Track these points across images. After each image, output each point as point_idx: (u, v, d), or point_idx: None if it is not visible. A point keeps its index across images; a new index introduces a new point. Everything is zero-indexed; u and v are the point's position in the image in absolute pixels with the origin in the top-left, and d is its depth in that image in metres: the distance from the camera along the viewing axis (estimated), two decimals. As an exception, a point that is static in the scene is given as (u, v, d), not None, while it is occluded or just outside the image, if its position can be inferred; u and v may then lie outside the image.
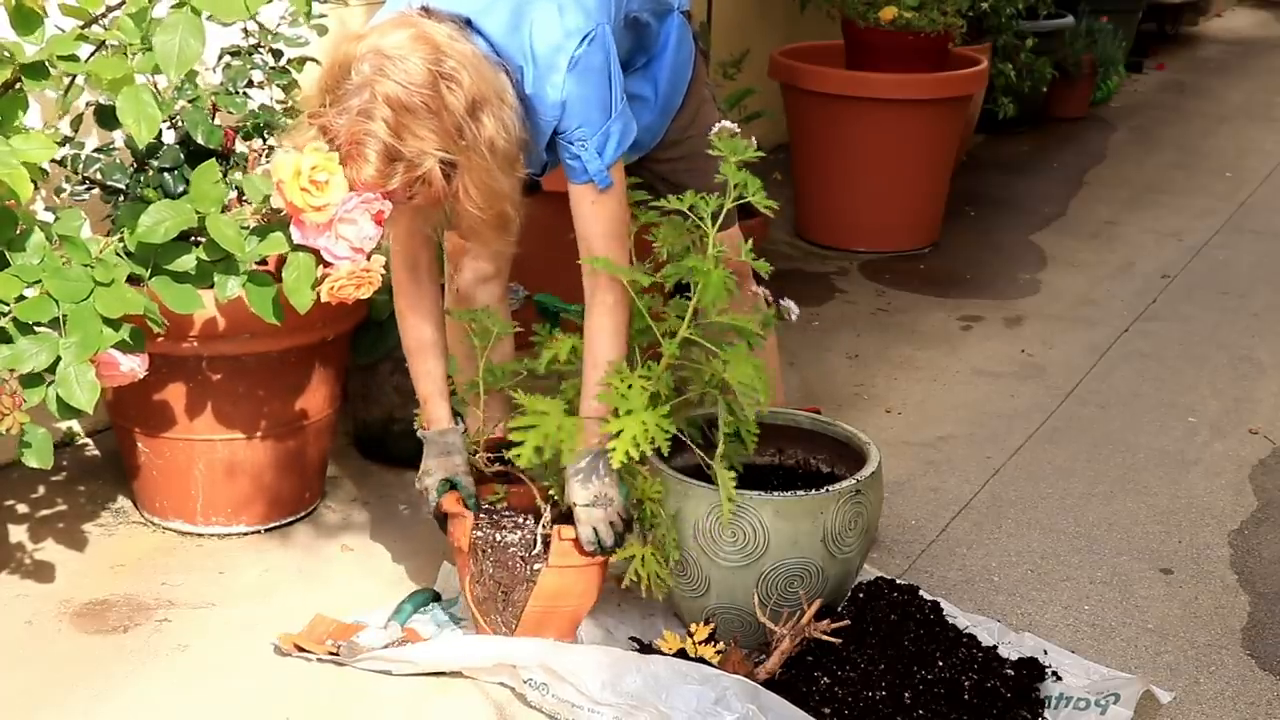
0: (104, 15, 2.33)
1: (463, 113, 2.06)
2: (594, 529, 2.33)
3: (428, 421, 2.48)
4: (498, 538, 2.38)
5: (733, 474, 2.34)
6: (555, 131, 2.23)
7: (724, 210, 2.33)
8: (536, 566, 2.36)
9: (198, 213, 2.35)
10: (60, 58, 2.21)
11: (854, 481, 2.39)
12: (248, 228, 2.41)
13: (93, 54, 2.34)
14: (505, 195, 2.17)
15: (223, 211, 2.40)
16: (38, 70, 2.22)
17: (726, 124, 2.37)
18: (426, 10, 2.15)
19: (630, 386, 2.29)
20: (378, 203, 2.36)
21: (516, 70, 2.18)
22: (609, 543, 2.34)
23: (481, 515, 2.40)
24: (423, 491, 2.48)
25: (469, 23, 2.16)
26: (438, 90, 2.04)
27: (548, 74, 2.18)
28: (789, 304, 2.64)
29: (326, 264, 2.39)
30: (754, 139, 2.33)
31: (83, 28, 2.32)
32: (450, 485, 2.44)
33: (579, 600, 2.43)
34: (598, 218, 2.27)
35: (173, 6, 2.22)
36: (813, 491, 2.37)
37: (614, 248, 2.29)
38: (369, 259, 2.40)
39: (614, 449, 2.24)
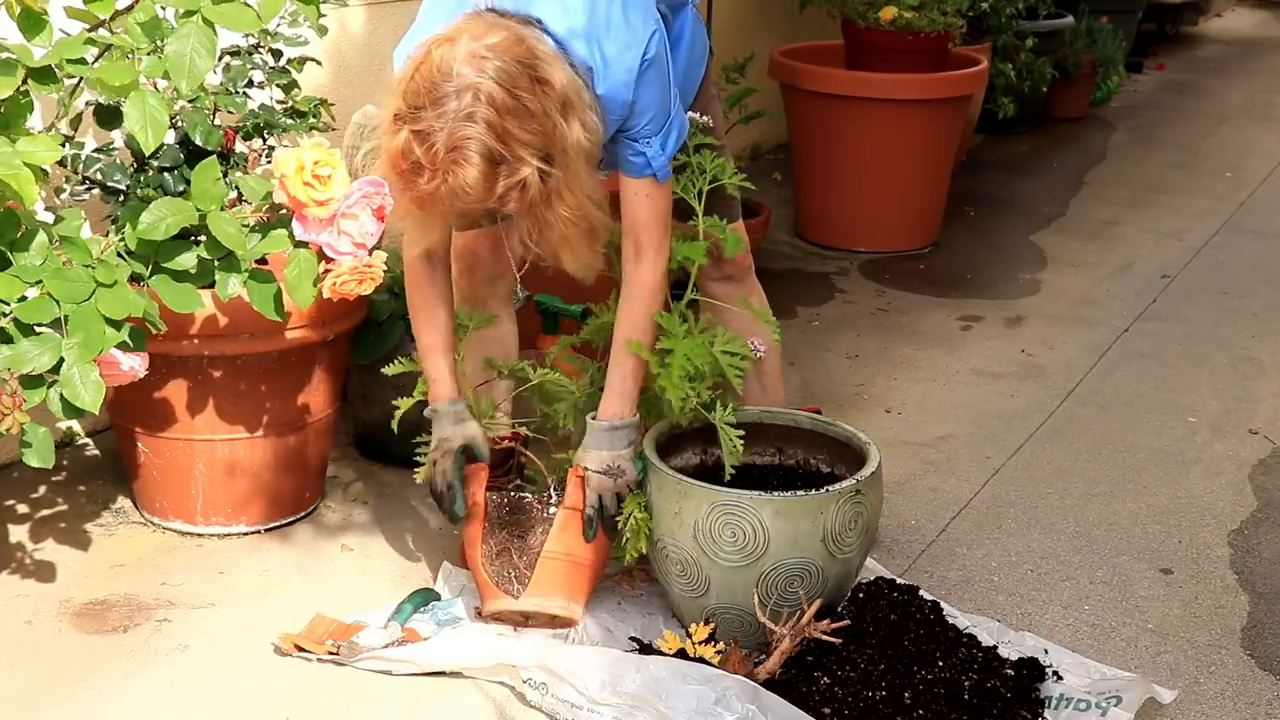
0: (111, 19, 2.33)
1: (557, 115, 2.04)
2: (599, 496, 2.39)
3: (437, 396, 2.46)
4: (513, 494, 2.45)
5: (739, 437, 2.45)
6: (618, 130, 2.25)
7: (702, 192, 2.46)
8: (553, 509, 2.41)
9: (198, 210, 2.34)
10: (68, 61, 2.21)
11: (854, 481, 2.39)
12: (248, 225, 2.40)
13: (98, 57, 2.34)
14: (595, 199, 2.15)
15: (222, 211, 2.40)
16: (45, 75, 2.21)
17: (694, 116, 2.45)
18: (496, 11, 2.13)
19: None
20: (379, 197, 2.36)
21: (586, 71, 2.17)
22: (611, 510, 2.39)
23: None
24: (435, 461, 2.44)
25: (539, 23, 2.15)
26: (535, 92, 2.02)
27: (620, 75, 2.18)
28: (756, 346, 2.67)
29: (328, 260, 2.39)
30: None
31: (89, 30, 2.32)
32: (467, 453, 2.45)
33: (591, 554, 2.44)
34: (651, 209, 2.33)
35: (181, 15, 2.22)
36: (813, 491, 2.37)
37: (663, 232, 2.36)
38: (370, 254, 2.39)
39: (663, 380, 2.39)
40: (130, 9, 2.29)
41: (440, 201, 2.07)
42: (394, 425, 2.53)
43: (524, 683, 2.31)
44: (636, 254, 2.37)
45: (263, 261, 2.46)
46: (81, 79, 2.36)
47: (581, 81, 2.14)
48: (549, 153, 2.04)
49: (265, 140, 2.79)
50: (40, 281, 2.23)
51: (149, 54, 2.23)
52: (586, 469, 2.41)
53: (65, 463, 3.09)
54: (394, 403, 2.54)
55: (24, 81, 2.21)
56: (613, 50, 2.18)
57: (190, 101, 2.74)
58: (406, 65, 2.08)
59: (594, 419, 2.42)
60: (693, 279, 2.56)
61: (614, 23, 2.18)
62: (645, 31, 2.20)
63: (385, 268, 2.44)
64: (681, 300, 2.56)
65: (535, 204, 2.07)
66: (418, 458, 2.56)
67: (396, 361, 2.58)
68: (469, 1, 2.18)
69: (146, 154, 2.29)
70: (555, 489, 2.45)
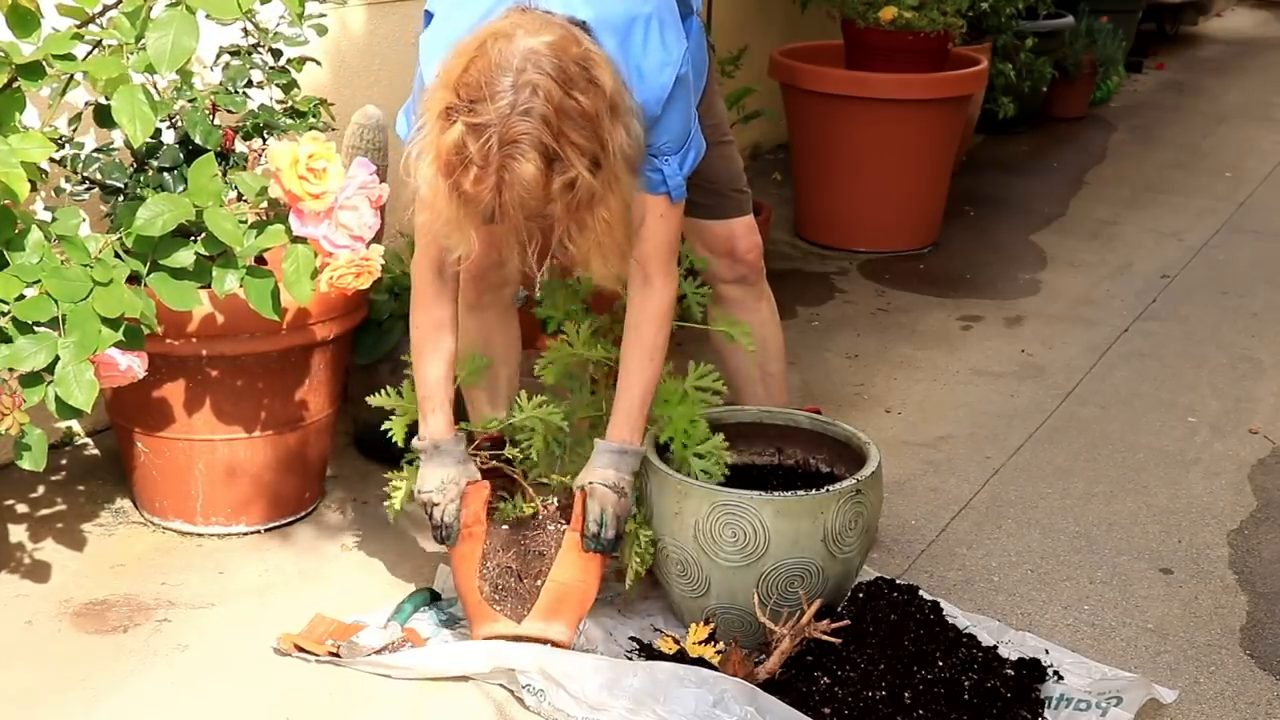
0: (101, 14, 2.33)
1: (607, 117, 2.02)
2: (602, 509, 2.36)
3: (435, 430, 2.42)
4: (512, 512, 2.42)
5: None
6: None
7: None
8: (551, 526, 2.40)
9: (195, 206, 2.34)
10: (56, 57, 2.20)
11: (854, 481, 2.39)
12: (245, 222, 2.40)
13: (89, 53, 2.34)
14: (632, 207, 2.11)
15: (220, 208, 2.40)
16: (34, 70, 2.21)
17: None
18: (550, 13, 2.10)
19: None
20: (377, 188, 2.35)
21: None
22: (609, 533, 2.36)
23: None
24: (436, 503, 2.40)
25: (584, 25, 2.12)
26: (588, 93, 2.00)
27: (653, 91, 2.17)
28: None
29: (325, 254, 2.39)
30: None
31: (79, 27, 2.32)
32: None
33: (588, 582, 2.41)
34: (661, 231, 2.31)
35: (168, 5, 2.22)
36: (813, 491, 2.37)
37: (671, 258, 2.35)
38: (368, 247, 2.39)
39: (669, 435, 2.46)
40: (119, 2, 2.29)
41: (489, 202, 2.00)
42: (421, 442, 2.45)
43: (522, 688, 2.31)
44: (645, 280, 2.34)
45: (261, 259, 2.46)
46: (72, 76, 2.35)
47: (624, 85, 2.10)
48: (599, 154, 2.01)
49: (265, 140, 2.79)
50: (39, 280, 2.23)
51: (137, 48, 2.23)
52: (591, 483, 2.38)
53: (65, 462, 3.09)
54: (388, 484, 2.51)
55: (13, 78, 2.21)
56: (649, 67, 2.17)
57: (189, 101, 2.74)
58: (455, 58, 2.03)
59: (601, 440, 2.41)
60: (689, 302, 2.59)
61: (651, 41, 2.17)
62: (679, 50, 2.20)
63: (383, 262, 2.43)
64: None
65: (580, 206, 2.02)
66: (392, 491, 2.53)
67: (382, 392, 2.55)
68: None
69: (135, 146, 2.28)
70: (559, 513, 2.44)
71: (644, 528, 2.44)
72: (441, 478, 2.41)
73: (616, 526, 2.38)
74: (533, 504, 2.47)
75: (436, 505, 2.40)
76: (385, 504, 2.55)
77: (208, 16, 2.30)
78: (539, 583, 2.38)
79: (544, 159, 1.97)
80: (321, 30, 2.92)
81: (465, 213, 2.04)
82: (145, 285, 2.37)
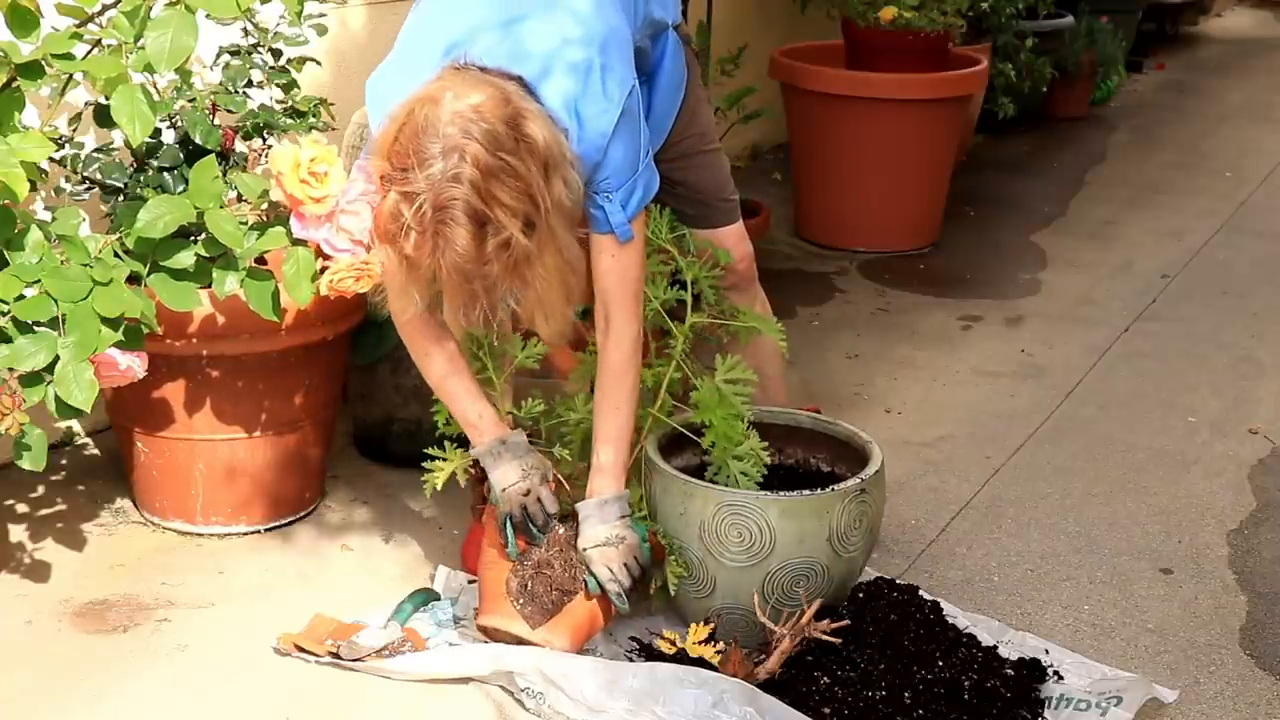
0: (100, 14, 2.33)
1: (540, 174, 2.04)
2: (608, 568, 2.35)
3: (491, 426, 2.41)
4: (566, 526, 2.41)
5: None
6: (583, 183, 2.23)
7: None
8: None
9: (196, 208, 2.34)
10: (55, 56, 2.20)
11: (859, 480, 2.39)
12: (246, 223, 2.40)
13: (89, 53, 2.34)
14: (574, 261, 2.13)
15: (220, 209, 2.40)
16: (33, 70, 2.21)
17: None
18: (479, 67, 2.11)
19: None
20: (379, 194, 2.35)
21: (562, 130, 2.14)
22: (626, 582, 2.35)
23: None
24: (525, 492, 2.39)
25: (520, 80, 2.13)
26: (518, 153, 2.02)
27: (594, 139, 2.17)
28: None
29: (326, 257, 2.39)
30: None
31: (78, 26, 2.32)
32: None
33: (613, 612, 2.42)
34: (615, 272, 2.30)
35: (167, 4, 2.22)
36: (819, 491, 2.37)
37: (628, 299, 2.32)
38: (369, 251, 2.39)
39: (711, 440, 2.45)
40: (118, 1, 2.29)
41: (427, 266, 2.04)
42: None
43: (521, 691, 2.30)
44: (606, 325, 2.33)
45: (261, 261, 2.46)
46: (72, 75, 2.35)
47: (564, 139, 2.12)
48: (531, 213, 2.03)
49: (265, 140, 2.79)
50: (39, 280, 2.23)
51: (136, 48, 2.23)
52: (585, 550, 2.36)
53: (65, 462, 3.09)
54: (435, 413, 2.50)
55: (13, 78, 2.21)
56: (589, 113, 2.17)
57: (189, 101, 2.74)
58: (388, 125, 2.06)
59: (581, 502, 2.39)
60: (688, 306, 2.57)
61: (593, 90, 2.17)
62: (621, 94, 2.19)
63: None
64: (685, 324, 2.55)
65: (519, 264, 2.05)
66: (434, 467, 2.51)
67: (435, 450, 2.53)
68: (451, 50, 2.15)
69: (135, 146, 2.28)
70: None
71: (674, 553, 2.42)
72: (521, 466, 2.40)
73: (630, 572, 2.36)
74: (568, 503, 2.46)
75: (528, 493, 2.38)
76: (423, 479, 2.52)
77: (207, 16, 2.30)
78: (566, 598, 2.38)
79: (475, 223, 2.00)
80: (321, 30, 2.92)
81: (412, 277, 2.09)
82: (145, 285, 2.37)
